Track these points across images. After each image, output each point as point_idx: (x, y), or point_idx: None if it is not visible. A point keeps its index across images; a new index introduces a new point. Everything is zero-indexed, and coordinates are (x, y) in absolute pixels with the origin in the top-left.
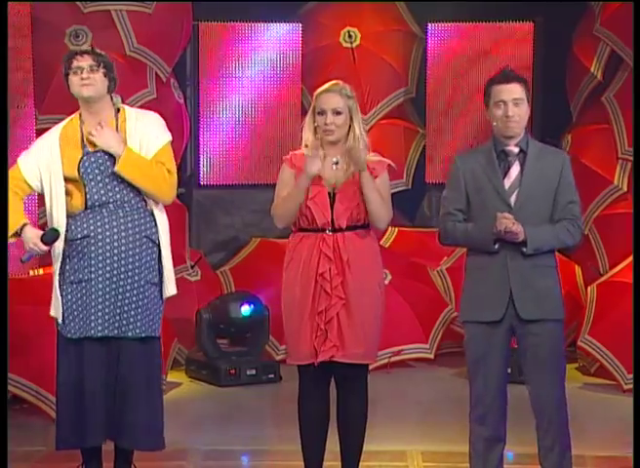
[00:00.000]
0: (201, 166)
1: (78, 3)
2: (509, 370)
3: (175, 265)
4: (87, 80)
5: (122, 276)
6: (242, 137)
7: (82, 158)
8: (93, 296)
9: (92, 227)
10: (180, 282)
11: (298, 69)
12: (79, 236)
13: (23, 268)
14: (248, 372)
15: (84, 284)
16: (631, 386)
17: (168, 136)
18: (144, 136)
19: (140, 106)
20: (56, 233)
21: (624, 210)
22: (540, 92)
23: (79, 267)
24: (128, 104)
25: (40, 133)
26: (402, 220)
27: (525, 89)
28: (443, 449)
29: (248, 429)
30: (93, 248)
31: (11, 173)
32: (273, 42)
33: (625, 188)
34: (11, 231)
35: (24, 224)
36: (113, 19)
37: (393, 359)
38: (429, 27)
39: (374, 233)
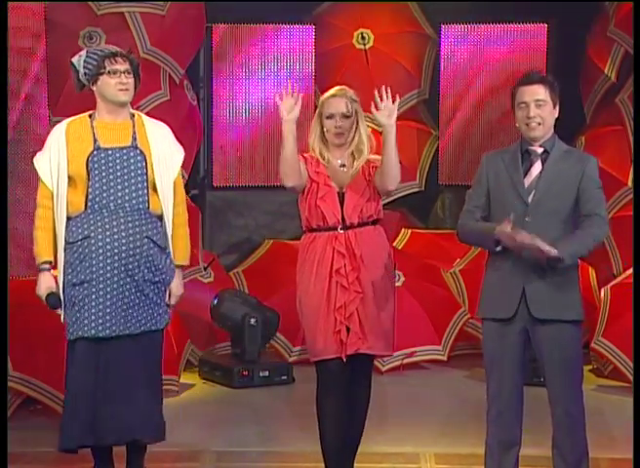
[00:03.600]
0: (214, 167)
1: (91, 4)
2: None
3: (188, 267)
4: (125, 85)
5: (122, 275)
6: (255, 139)
7: (92, 152)
8: (94, 296)
9: (92, 228)
10: (193, 283)
11: (311, 71)
12: (80, 237)
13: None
14: (261, 374)
15: (86, 285)
16: None
17: (182, 152)
18: (164, 148)
19: (154, 108)
20: (58, 302)
21: None
22: None
23: (81, 268)
24: (142, 106)
25: None
26: (415, 222)
27: (550, 90)
28: (456, 452)
29: (261, 430)
30: (94, 248)
31: (39, 192)
32: (286, 44)
33: None
34: (38, 258)
35: (45, 268)
36: (127, 20)
37: (406, 361)
38: (442, 29)
39: (382, 229)
